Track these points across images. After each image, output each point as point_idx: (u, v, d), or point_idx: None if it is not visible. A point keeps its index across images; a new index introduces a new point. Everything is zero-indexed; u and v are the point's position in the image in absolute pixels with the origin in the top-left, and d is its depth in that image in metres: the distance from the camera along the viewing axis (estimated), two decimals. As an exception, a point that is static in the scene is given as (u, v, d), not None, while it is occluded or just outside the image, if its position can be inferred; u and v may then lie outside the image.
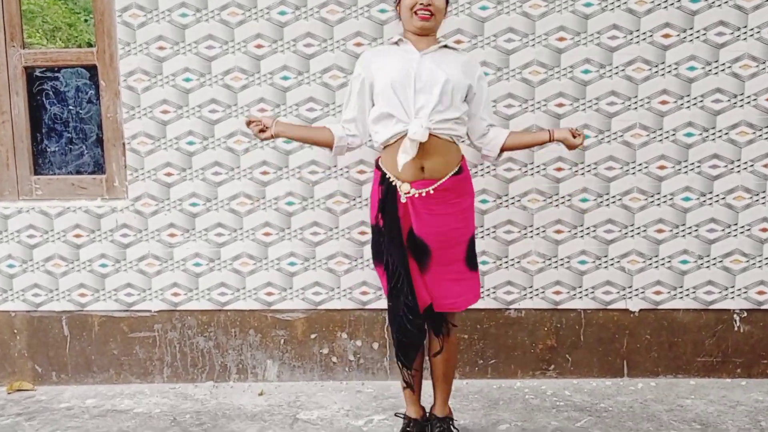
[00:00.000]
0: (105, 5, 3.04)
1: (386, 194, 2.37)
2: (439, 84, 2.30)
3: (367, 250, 3.04)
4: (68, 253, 3.14)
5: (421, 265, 2.39)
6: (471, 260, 2.46)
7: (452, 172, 2.37)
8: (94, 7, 3.08)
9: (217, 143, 3.06)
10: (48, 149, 3.22)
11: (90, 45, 3.07)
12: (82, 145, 3.22)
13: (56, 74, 3.18)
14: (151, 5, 2.99)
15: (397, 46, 2.43)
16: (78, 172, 3.23)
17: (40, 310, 3.18)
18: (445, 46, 2.42)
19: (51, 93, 3.19)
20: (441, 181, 2.34)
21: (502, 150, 2.51)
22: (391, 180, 2.37)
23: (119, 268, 3.15)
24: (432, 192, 2.33)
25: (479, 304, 2.99)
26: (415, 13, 2.30)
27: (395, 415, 2.71)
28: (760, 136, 2.95)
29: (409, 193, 2.33)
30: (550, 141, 2.47)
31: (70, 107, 3.20)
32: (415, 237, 2.36)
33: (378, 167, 2.44)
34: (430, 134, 2.28)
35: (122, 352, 3.20)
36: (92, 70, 3.14)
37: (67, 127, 3.21)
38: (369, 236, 3.03)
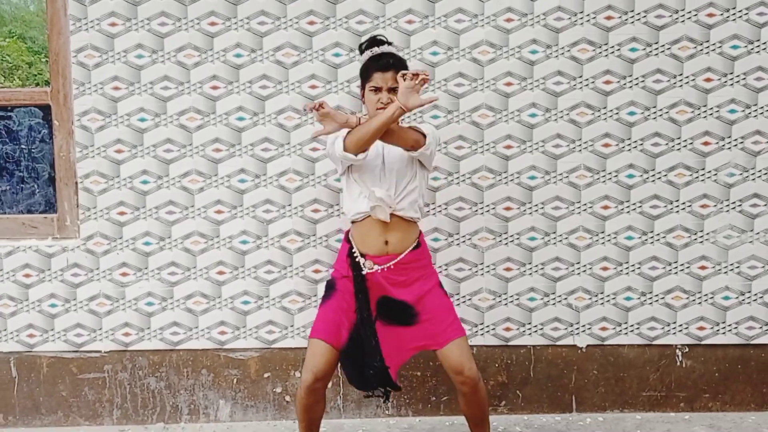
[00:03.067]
0: (60, 46, 2.86)
1: (354, 268, 2.39)
2: (392, 180, 2.37)
3: (321, 288, 2.89)
4: (17, 293, 2.91)
5: (411, 320, 2.38)
6: (447, 295, 2.49)
7: (411, 247, 2.41)
8: (49, 48, 2.90)
9: (171, 182, 2.89)
10: None
11: (48, 83, 2.88)
12: (34, 184, 3.02)
13: (9, 113, 2.98)
14: (107, 46, 2.83)
15: None
16: (29, 211, 3.02)
17: (-13, 350, 2.95)
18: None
19: (3, 132, 2.99)
20: (401, 257, 2.37)
21: None
22: (356, 255, 2.39)
23: (69, 308, 2.92)
24: (393, 267, 2.37)
25: (431, 342, 2.89)
26: (376, 109, 2.34)
27: None
28: (697, 178, 2.90)
29: (372, 269, 2.36)
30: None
31: (23, 146, 3.00)
32: (393, 300, 2.37)
33: (347, 240, 2.46)
34: (393, 214, 2.36)
35: (71, 393, 2.95)
36: (46, 109, 2.94)
37: (18, 166, 3.01)
38: (323, 274, 2.93)
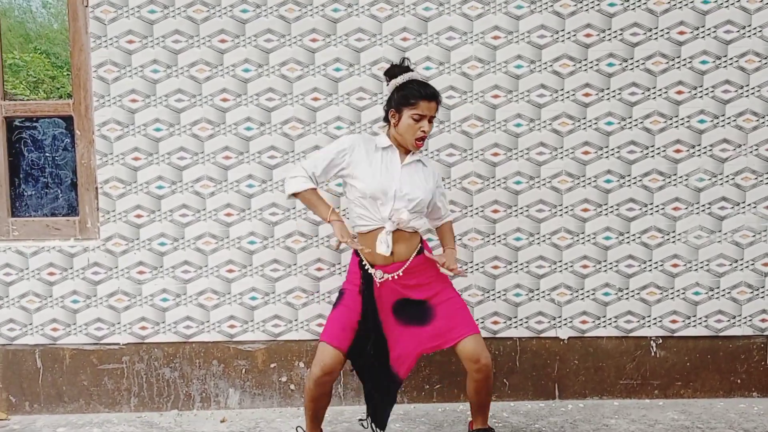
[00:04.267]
0: (82, 61, 2.98)
1: (364, 279, 2.40)
2: (415, 200, 2.38)
3: (323, 285, 3.03)
4: (42, 290, 3.01)
5: (426, 317, 2.38)
6: (459, 295, 2.48)
7: (415, 253, 2.42)
8: (71, 63, 3.00)
9: (185, 187, 2.99)
10: (25, 193, 3.10)
11: (70, 96, 2.99)
12: (57, 189, 3.10)
13: (34, 124, 3.07)
14: (125, 61, 2.94)
15: (383, 150, 2.41)
16: (53, 215, 3.10)
17: (14, 343, 3.02)
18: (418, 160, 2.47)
19: (29, 141, 3.08)
20: (407, 264, 2.39)
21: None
22: (366, 267, 2.40)
23: (90, 304, 3.01)
24: (401, 274, 2.39)
25: (425, 334, 2.98)
26: (416, 140, 2.35)
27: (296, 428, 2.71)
28: (669, 183, 3.00)
29: (382, 278, 2.38)
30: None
31: (47, 154, 3.09)
32: (409, 300, 2.38)
33: (356, 253, 2.44)
34: (398, 228, 2.38)
35: (92, 383, 3.04)
36: (68, 120, 3.04)
37: (43, 172, 3.09)
38: (325, 272, 3.02)
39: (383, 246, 2.35)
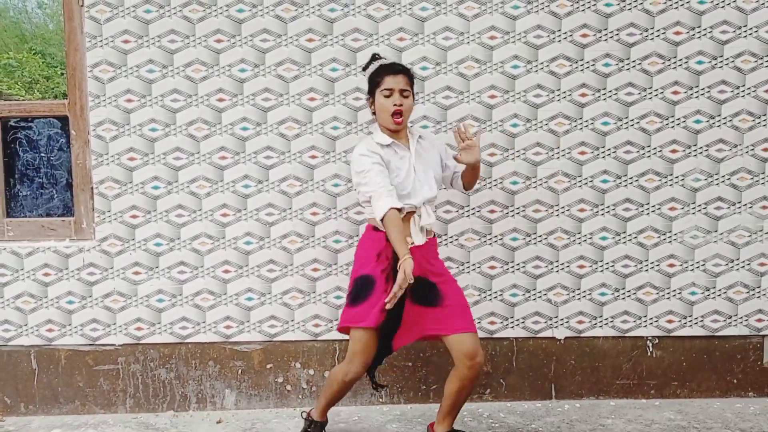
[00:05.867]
0: (77, 61, 2.94)
1: (393, 253, 2.36)
2: (430, 177, 2.47)
3: (319, 285, 3.00)
4: (37, 291, 2.97)
5: (435, 300, 2.39)
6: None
7: (432, 235, 2.53)
8: (66, 63, 2.96)
9: (181, 188, 2.95)
10: (20, 193, 3.06)
11: (65, 96, 2.95)
12: (53, 190, 3.06)
13: (30, 124, 3.03)
14: (120, 61, 2.90)
15: (389, 148, 2.42)
16: (48, 215, 3.06)
17: (9, 344, 2.98)
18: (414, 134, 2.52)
19: (24, 141, 3.04)
20: (430, 238, 2.49)
21: (465, 184, 2.64)
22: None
23: (85, 305, 2.97)
24: (425, 244, 2.45)
25: (421, 335, 2.96)
26: (392, 115, 2.37)
27: (301, 414, 2.79)
28: (665, 183, 2.98)
29: (413, 243, 2.40)
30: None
31: (42, 154, 3.05)
32: (426, 280, 2.39)
33: (376, 229, 2.44)
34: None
35: (87, 384, 3.01)
36: (64, 120, 3.00)
37: (38, 172, 3.05)
38: (321, 272, 2.99)
39: (419, 237, 2.42)
